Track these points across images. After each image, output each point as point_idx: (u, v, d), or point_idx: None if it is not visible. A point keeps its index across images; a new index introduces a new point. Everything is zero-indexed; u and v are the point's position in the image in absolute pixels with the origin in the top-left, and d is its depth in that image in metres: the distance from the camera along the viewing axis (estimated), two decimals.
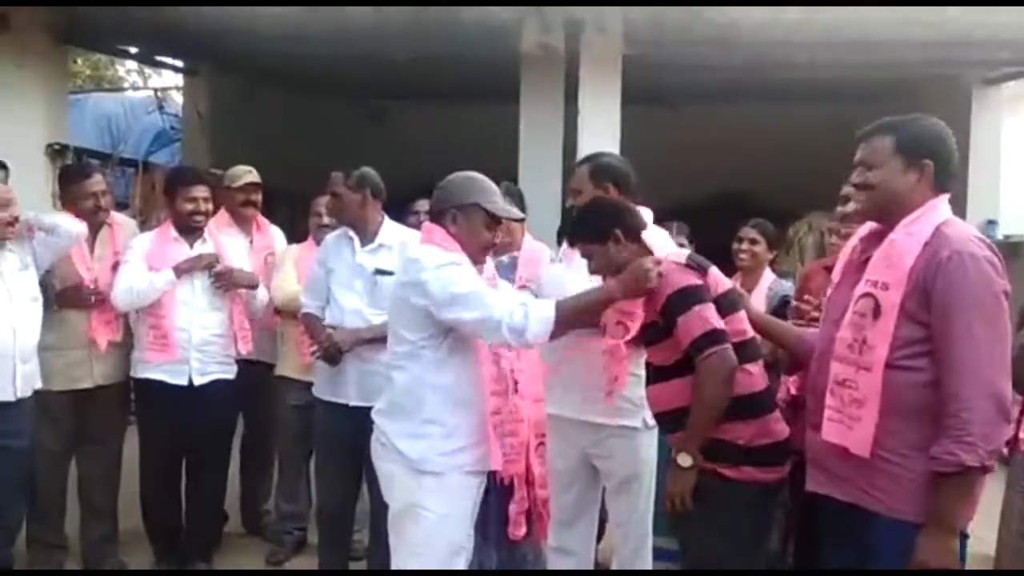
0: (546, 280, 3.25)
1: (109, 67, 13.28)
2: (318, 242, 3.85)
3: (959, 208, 2.72)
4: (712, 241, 3.99)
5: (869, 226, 2.29)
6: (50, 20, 5.61)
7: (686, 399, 2.42)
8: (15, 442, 3.33)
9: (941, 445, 1.96)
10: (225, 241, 4.00)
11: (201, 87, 7.90)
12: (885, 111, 2.29)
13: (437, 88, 7.76)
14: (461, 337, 2.53)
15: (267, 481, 4.44)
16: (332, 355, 3.35)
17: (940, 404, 1.98)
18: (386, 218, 3.52)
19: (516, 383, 2.65)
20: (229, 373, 3.84)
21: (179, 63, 7.92)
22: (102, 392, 3.75)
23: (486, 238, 2.62)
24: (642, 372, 2.71)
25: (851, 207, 2.91)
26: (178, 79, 8.82)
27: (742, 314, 2.53)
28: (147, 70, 12.27)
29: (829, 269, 2.60)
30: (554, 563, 3.19)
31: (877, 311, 2.05)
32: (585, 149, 4.71)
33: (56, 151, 5.70)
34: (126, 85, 12.82)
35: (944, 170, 2.15)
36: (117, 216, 4.02)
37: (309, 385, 3.68)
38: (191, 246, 3.82)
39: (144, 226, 4.96)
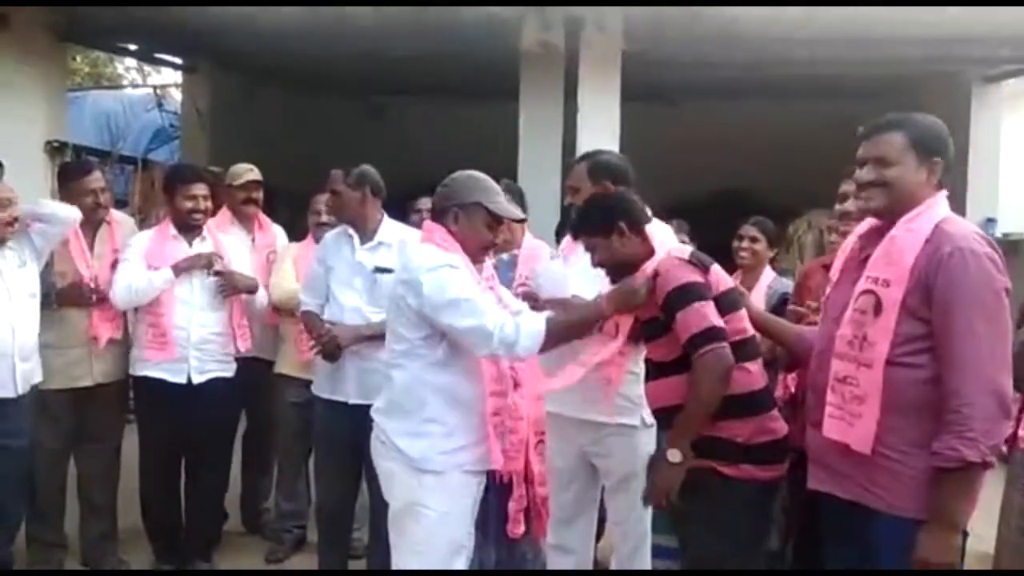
0: (544, 277, 3.24)
1: (108, 64, 13.25)
2: (317, 240, 3.84)
3: (958, 206, 2.71)
4: (712, 239, 3.99)
5: (867, 223, 2.29)
6: (50, 19, 5.61)
7: (684, 396, 2.41)
8: (14, 441, 3.34)
9: (942, 440, 1.96)
10: (227, 240, 3.99)
11: (200, 84, 7.88)
12: (885, 108, 2.29)
13: (437, 86, 7.76)
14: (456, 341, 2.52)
15: (267, 479, 4.43)
16: (331, 351, 3.34)
17: (941, 400, 1.99)
18: (385, 216, 3.51)
19: (516, 381, 2.64)
20: (228, 371, 3.84)
21: (178, 60, 7.92)
22: (101, 390, 3.75)
23: (487, 237, 2.61)
24: (641, 370, 2.71)
25: (851, 205, 2.90)
26: (177, 76, 8.81)
27: (743, 312, 2.53)
28: (146, 67, 12.23)
29: (827, 268, 2.60)
30: (553, 561, 3.19)
31: (878, 308, 2.05)
32: (585, 146, 4.70)
33: (55, 148, 5.70)
34: (125, 82, 12.84)
35: (947, 168, 2.16)
36: (116, 214, 4.01)
37: (308, 383, 3.67)
38: (190, 244, 3.82)
39: (143, 224, 4.98)
